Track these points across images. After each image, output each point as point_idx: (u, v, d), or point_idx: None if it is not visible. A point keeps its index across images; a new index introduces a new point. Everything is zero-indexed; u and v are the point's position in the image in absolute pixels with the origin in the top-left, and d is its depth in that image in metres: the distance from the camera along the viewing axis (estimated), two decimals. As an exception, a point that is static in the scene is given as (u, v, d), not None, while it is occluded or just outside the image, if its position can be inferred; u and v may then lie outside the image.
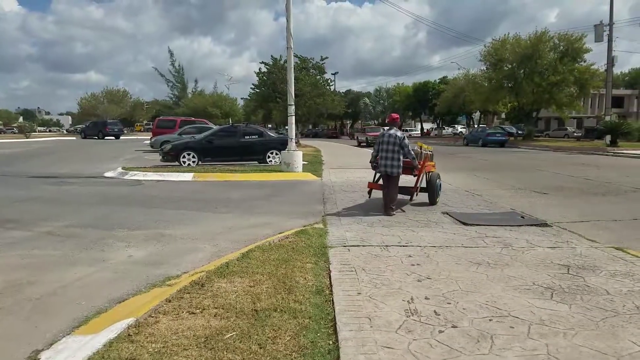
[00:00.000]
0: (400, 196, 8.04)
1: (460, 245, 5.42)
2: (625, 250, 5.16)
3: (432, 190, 8.31)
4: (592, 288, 3.95)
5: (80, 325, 3.41)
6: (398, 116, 8.25)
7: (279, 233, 6.09)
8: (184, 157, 15.32)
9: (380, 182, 8.00)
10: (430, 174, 8.56)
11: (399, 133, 7.55)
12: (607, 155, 23.90)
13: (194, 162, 15.35)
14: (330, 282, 4.07)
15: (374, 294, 3.81)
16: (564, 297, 3.74)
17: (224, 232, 6.32)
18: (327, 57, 35.26)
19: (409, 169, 7.90)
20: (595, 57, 74.06)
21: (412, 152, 7.69)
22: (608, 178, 12.81)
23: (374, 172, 8.29)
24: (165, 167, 14.50)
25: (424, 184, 8.43)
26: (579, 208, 8.29)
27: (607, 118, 32.96)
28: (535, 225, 6.59)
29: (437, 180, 8.49)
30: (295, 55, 29.82)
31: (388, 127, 7.75)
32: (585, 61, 37.19)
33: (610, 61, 33.69)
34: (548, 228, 6.43)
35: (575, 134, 46.34)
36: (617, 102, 54.23)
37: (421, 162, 8.17)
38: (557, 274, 4.32)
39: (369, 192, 8.46)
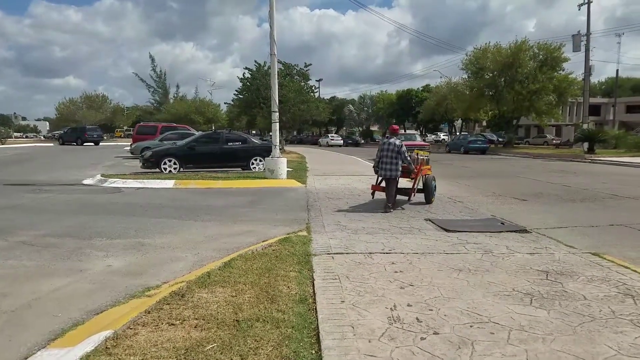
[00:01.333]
0: (399, 197, 9.04)
1: (442, 252, 5.47)
2: (602, 256, 5.28)
3: (428, 190, 9.37)
4: (569, 293, 4.03)
5: (56, 338, 3.34)
6: (398, 127, 9.58)
7: (262, 241, 6.06)
8: (165, 163, 15.16)
9: (382, 184, 8.96)
10: (426, 176, 9.45)
11: (398, 142, 8.61)
12: (584, 162, 24.46)
13: (175, 169, 15.21)
14: (314, 291, 4.07)
15: (357, 301, 3.82)
16: (543, 303, 3.80)
17: (206, 241, 6.27)
18: (310, 64, 35.49)
19: (406, 173, 9.02)
20: (573, 66, 76.02)
21: (409, 158, 8.77)
22: (585, 185, 13.11)
23: (376, 175, 9.23)
24: (145, 174, 14.31)
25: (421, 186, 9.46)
26: (558, 214, 8.46)
27: (585, 126, 33.79)
28: (515, 231, 6.71)
29: (433, 182, 9.50)
30: (279, 62, 29.93)
31: (388, 137, 8.96)
32: (563, 70, 38.11)
33: (588, 70, 34.62)
34: (527, 234, 6.54)
35: (554, 142, 47.39)
36: (594, 110, 55.61)
37: (417, 167, 9.19)
38: (536, 280, 4.40)
39: (372, 194, 9.46)
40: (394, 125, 9.54)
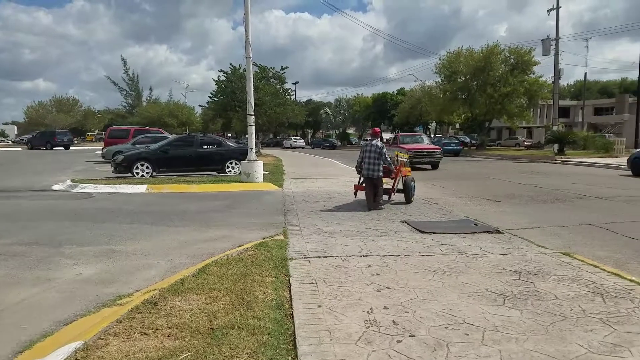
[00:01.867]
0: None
1: (418, 254, 5.52)
2: (573, 255, 5.42)
3: (407, 191, 9.75)
4: (541, 293, 4.12)
5: (24, 351, 3.23)
6: (379, 130, 10.29)
7: (238, 246, 6.00)
8: (137, 168, 14.90)
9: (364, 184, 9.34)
10: (405, 177, 9.87)
11: (380, 143, 9.08)
12: (555, 163, 25.13)
13: (148, 173, 14.96)
14: (291, 296, 4.05)
15: (334, 305, 3.81)
16: (516, 303, 3.87)
17: (179, 247, 6.17)
18: (287, 67, 35.45)
19: (387, 173, 9.45)
20: (543, 69, 78.21)
21: (389, 160, 9.37)
22: (556, 185, 13.46)
23: (357, 176, 9.84)
24: (117, 179, 14.02)
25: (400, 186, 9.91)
26: (529, 215, 8.66)
27: (555, 128, 34.72)
28: (487, 232, 6.82)
29: (412, 183, 9.89)
30: (255, 64, 29.73)
31: (370, 138, 9.42)
32: (534, 73, 39.05)
33: (557, 73, 35.61)
34: (500, 235, 6.67)
35: (525, 143, 48.60)
36: (564, 112, 57.23)
37: (397, 168, 9.77)
38: (509, 280, 4.48)
39: (355, 193, 9.93)
40: (375, 128, 10.11)
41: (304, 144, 62.89)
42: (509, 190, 12.41)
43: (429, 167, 20.66)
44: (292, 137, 67.49)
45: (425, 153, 20.50)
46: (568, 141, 31.57)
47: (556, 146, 31.51)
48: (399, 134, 29.61)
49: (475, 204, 10.10)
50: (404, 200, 9.77)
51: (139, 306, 3.80)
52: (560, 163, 24.83)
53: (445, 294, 4.09)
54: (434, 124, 60.60)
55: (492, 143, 52.09)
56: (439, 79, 43.08)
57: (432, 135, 57.75)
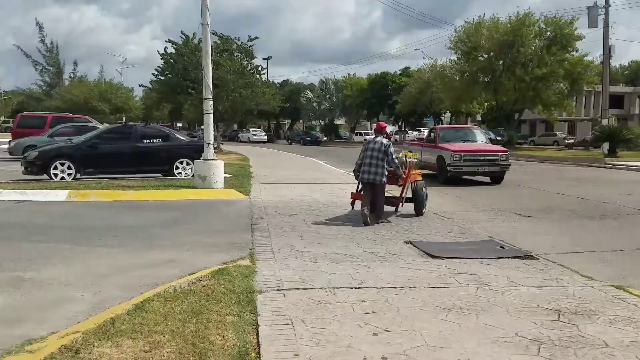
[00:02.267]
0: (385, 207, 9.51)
1: (427, 285, 5.55)
2: (628, 290, 5.48)
3: (418, 200, 10.03)
4: (587, 339, 4.15)
5: None
6: (385, 125, 10.62)
7: (190, 274, 5.96)
8: (55, 167, 14.80)
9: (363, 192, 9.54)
10: (415, 183, 10.17)
11: (385, 141, 9.32)
12: (604, 167, 25.59)
13: (70, 174, 14.89)
14: (258, 341, 4.03)
15: (316, 355, 3.80)
16: (554, 352, 3.90)
17: (111, 274, 6.10)
18: (256, 37, 35.52)
19: (393, 179, 9.65)
20: (588, 46, 79.73)
21: (397, 161, 9.50)
22: (606, 197, 13.68)
23: (357, 182, 9.98)
24: (29, 183, 13.91)
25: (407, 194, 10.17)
26: (572, 235, 8.79)
27: (604, 122, 35.25)
28: (518, 257, 6.91)
29: (423, 190, 10.17)
30: (214, 34, 29.78)
31: (374, 135, 9.67)
32: (577, 51, 39.75)
33: (607, 51, 35.99)
34: (534, 261, 6.75)
35: (566, 141, 49.38)
36: (616, 101, 58.31)
37: (406, 172, 9.92)
38: (545, 322, 4.52)
39: (352, 204, 10.03)
40: (380, 122, 10.71)
41: (266, 137, 65.49)
42: (545, 203, 12.59)
43: (486, 179, 17.50)
44: (251, 129, 68.92)
45: (482, 158, 16.83)
46: (621, 139, 32.04)
47: (606, 145, 32.04)
48: (439, 126, 25.28)
49: (502, 219, 10.23)
50: (413, 212, 9.95)
51: (55, 354, 3.73)
52: (611, 167, 25.28)
53: (462, 340, 4.11)
54: (448, 114, 61.25)
55: (523, 140, 52.90)
56: (454, 57, 43.70)
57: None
